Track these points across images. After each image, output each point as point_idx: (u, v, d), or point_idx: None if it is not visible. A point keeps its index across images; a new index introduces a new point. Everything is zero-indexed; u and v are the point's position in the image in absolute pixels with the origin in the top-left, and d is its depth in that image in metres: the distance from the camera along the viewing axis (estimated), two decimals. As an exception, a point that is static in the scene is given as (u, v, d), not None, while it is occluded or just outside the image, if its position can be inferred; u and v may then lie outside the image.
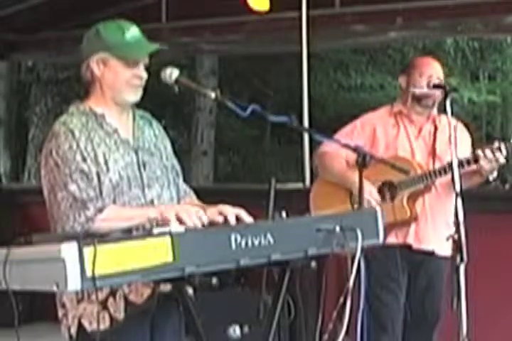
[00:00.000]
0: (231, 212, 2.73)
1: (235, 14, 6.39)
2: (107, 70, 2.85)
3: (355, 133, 4.10)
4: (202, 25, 6.62)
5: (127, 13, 6.09)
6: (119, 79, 2.85)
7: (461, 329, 3.49)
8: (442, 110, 3.72)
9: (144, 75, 2.89)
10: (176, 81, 2.88)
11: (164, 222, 2.56)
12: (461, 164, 3.82)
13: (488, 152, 3.82)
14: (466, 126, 4.22)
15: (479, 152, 3.84)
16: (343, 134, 4.05)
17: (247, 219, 2.70)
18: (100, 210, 2.72)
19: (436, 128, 4.08)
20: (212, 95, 2.88)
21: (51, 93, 11.22)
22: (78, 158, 2.75)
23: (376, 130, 4.09)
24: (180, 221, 2.59)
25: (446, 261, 4.04)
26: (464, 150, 4.00)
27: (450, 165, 3.63)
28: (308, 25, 5.71)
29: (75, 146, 2.76)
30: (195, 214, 2.63)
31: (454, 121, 3.98)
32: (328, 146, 4.08)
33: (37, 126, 11.15)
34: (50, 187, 2.76)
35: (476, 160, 3.85)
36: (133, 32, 2.87)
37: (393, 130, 4.09)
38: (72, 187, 2.72)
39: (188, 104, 12.53)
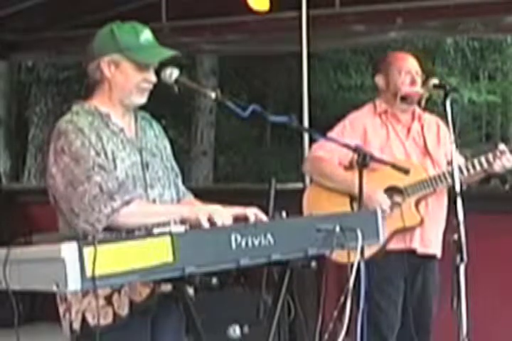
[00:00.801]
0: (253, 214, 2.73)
1: (235, 14, 6.38)
2: (118, 72, 2.85)
3: (345, 133, 3.98)
4: (202, 25, 6.62)
5: (127, 13, 6.09)
6: (129, 82, 2.85)
7: (461, 329, 3.49)
8: (442, 110, 3.70)
9: (154, 79, 2.89)
10: (176, 81, 2.88)
11: (197, 222, 2.59)
12: (473, 167, 3.84)
13: (500, 159, 3.82)
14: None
15: (490, 158, 3.84)
16: (333, 136, 3.88)
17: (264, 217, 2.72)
18: (127, 203, 2.71)
19: (422, 127, 4.06)
20: (213, 95, 2.88)
21: (51, 93, 11.22)
22: (93, 153, 2.74)
23: (367, 130, 4.00)
24: (211, 223, 2.60)
25: (438, 261, 4.05)
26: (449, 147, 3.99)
27: (458, 167, 3.63)
28: (308, 25, 5.69)
29: (87, 143, 2.75)
30: (226, 215, 2.65)
31: (434, 118, 4.00)
32: (321, 150, 4.01)
33: (37, 126, 11.15)
34: (66, 183, 2.72)
35: (488, 162, 3.85)
36: (146, 35, 2.87)
37: (382, 130, 4.02)
38: (98, 179, 2.70)
39: (188, 104, 12.53)
